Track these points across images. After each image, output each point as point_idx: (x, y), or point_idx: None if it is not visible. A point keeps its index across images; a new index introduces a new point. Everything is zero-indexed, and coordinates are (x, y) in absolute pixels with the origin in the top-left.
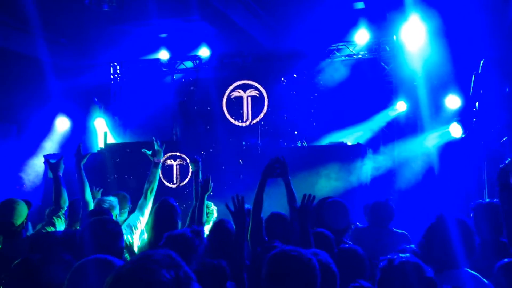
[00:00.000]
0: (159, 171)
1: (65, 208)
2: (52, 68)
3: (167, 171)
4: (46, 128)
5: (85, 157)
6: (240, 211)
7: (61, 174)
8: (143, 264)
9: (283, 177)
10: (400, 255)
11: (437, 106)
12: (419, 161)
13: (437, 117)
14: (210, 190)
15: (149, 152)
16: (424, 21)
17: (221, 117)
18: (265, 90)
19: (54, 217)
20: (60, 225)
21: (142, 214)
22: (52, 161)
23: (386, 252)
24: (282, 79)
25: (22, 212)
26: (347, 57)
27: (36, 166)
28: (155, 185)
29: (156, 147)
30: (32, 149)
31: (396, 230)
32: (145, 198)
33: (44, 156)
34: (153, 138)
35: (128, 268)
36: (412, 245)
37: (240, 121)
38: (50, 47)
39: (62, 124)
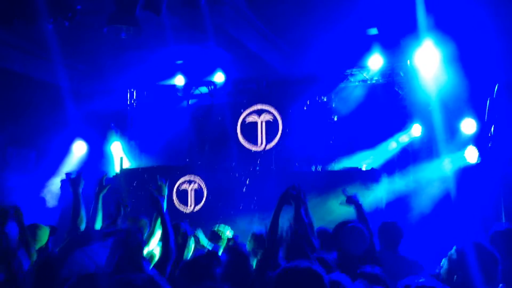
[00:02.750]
0: (163, 204)
1: (82, 229)
2: (70, 94)
3: (182, 195)
4: (64, 153)
5: (105, 189)
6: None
7: (80, 191)
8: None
9: (295, 201)
10: (416, 280)
11: (452, 130)
12: (435, 186)
13: (452, 142)
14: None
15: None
16: (438, 46)
17: (236, 142)
18: (279, 114)
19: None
20: None
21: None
22: (73, 176)
23: (396, 279)
24: (298, 104)
25: (42, 237)
26: (361, 82)
27: (53, 189)
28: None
29: (159, 182)
30: (50, 173)
31: (408, 256)
32: (152, 232)
33: (66, 173)
34: (157, 176)
35: None
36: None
37: (254, 146)
38: (68, 73)
39: (79, 149)
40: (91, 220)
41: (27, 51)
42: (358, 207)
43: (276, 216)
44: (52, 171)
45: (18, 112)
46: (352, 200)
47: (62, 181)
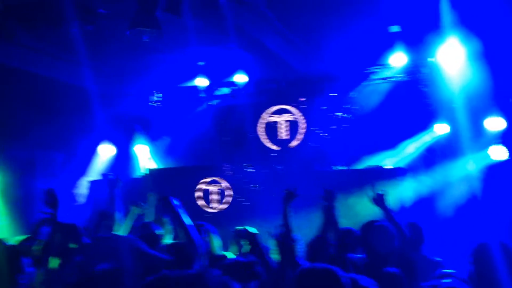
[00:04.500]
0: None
1: (113, 230)
2: (96, 97)
3: (206, 196)
4: (91, 155)
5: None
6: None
7: (117, 192)
8: None
9: (329, 203)
10: (443, 281)
11: (477, 128)
12: (461, 185)
13: (478, 140)
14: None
15: None
16: (463, 43)
17: (257, 142)
18: (301, 114)
19: None
20: None
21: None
22: (110, 176)
23: (421, 280)
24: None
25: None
26: (383, 80)
27: (81, 189)
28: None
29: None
30: (78, 175)
31: (431, 257)
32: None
33: (103, 174)
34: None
35: None
36: (453, 270)
37: (276, 145)
38: (94, 76)
39: (106, 151)
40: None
41: (53, 55)
42: (385, 210)
43: (286, 217)
44: (80, 173)
45: (45, 115)
46: (379, 202)
47: (91, 183)
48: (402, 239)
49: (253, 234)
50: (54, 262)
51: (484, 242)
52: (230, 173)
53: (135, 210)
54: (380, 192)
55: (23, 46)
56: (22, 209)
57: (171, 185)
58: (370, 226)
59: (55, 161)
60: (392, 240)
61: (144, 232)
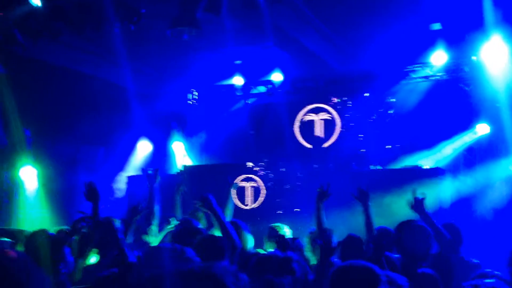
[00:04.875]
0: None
1: (154, 224)
2: (136, 95)
3: (240, 193)
4: (130, 151)
5: (157, 180)
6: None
7: (157, 185)
8: None
9: (362, 203)
10: (486, 280)
11: None
12: (503, 186)
13: None
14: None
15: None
16: (507, 41)
17: (293, 141)
18: (337, 113)
19: (142, 236)
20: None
21: None
22: (150, 172)
23: (459, 282)
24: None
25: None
26: (423, 79)
27: (120, 184)
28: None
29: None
30: (117, 170)
31: (470, 259)
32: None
33: (142, 169)
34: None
35: None
36: (492, 270)
37: (312, 144)
38: (133, 75)
39: (144, 147)
40: (149, 203)
41: (96, 55)
42: (425, 216)
43: (318, 215)
44: (119, 168)
45: (88, 112)
46: (418, 208)
47: (129, 178)
48: (442, 241)
49: (282, 236)
50: (92, 255)
51: None
52: (265, 171)
53: (180, 190)
54: (418, 197)
55: (67, 46)
56: (63, 202)
57: (206, 182)
58: (404, 225)
59: (96, 156)
60: (427, 240)
61: (185, 226)
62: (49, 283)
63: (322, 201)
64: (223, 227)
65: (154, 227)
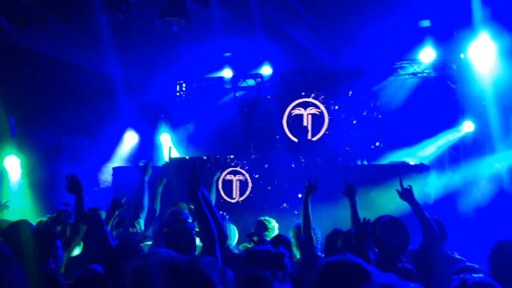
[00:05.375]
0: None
1: (142, 217)
2: (123, 85)
3: (227, 186)
4: (116, 142)
5: (149, 172)
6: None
7: (147, 179)
8: None
9: (349, 198)
10: (474, 275)
11: (507, 127)
12: (487, 183)
13: (506, 138)
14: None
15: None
16: (494, 39)
17: (281, 134)
18: (325, 108)
19: (130, 228)
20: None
21: None
22: (141, 164)
23: (442, 277)
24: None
25: None
26: (411, 76)
27: (104, 176)
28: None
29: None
30: (103, 161)
31: (454, 255)
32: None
33: (134, 161)
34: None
35: None
36: (476, 265)
37: (300, 138)
38: (121, 65)
39: (130, 139)
40: (149, 202)
41: (83, 43)
42: (414, 204)
43: (306, 208)
44: (105, 159)
45: (74, 102)
46: (407, 196)
47: (114, 169)
48: (428, 234)
49: (259, 233)
50: (76, 248)
51: (503, 240)
52: (253, 164)
53: (163, 182)
54: (407, 187)
55: (54, 34)
56: (47, 192)
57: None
58: (380, 220)
59: (81, 146)
60: (404, 233)
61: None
62: (27, 275)
63: (310, 195)
64: (214, 217)
65: (141, 220)
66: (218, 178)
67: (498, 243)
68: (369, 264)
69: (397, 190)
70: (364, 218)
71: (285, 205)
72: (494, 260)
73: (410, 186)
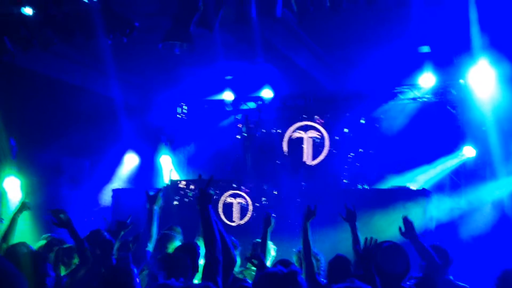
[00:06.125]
0: (154, 217)
1: (150, 247)
2: (123, 107)
3: (227, 209)
4: (116, 164)
5: (158, 201)
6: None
7: (157, 208)
8: None
9: (350, 223)
10: None
11: (507, 152)
12: (489, 209)
13: (507, 164)
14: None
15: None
16: (494, 65)
17: (282, 157)
18: (326, 131)
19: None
20: None
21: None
22: (151, 193)
23: None
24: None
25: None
26: (411, 100)
27: (104, 199)
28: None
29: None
30: (103, 183)
31: (458, 282)
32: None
33: (146, 190)
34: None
35: None
36: None
37: (300, 162)
38: (122, 87)
39: (131, 160)
40: (147, 227)
41: (84, 65)
42: (416, 242)
43: (305, 233)
44: (105, 180)
45: (75, 123)
46: (409, 235)
47: (114, 191)
48: (430, 265)
49: (258, 256)
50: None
51: (509, 269)
52: (253, 188)
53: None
54: (408, 222)
55: (55, 54)
56: (45, 214)
57: (192, 197)
58: (380, 246)
59: (81, 168)
60: (404, 261)
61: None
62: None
63: (309, 220)
64: (222, 238)
65: (148, 249)
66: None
67: (504, 272)
68: None
69: (399, 228)
70: (372, 238)
71: (285, 228)
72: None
73: (411, 223)
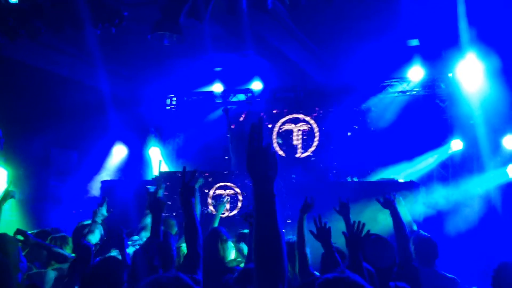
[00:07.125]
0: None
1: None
2: (112, 98)
3: (217, 201)
4: (105, 155)
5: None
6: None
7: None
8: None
9: (343, 216)
10: None
11: (495, 146)
12: (476, 202)
13: (495, 157)
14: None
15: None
16: (482, 59)
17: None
18: (316, 124)
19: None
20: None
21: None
22: (151, 189)
23: None
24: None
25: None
26: (400, 93)
27: (92, 191)
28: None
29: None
30: (92, 174)
31: (445, 273)
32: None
33: (147, 187)
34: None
35: None
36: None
37: (290, 154)
38: (111, 78)
39: (119, 152)
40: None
41: (73, 56)
42: (394, 210)
43: (300, 226)
44: (93, 172)
45: (63, 114)
46: (388, 203)
47: (102, 182)
48: (404, 252)
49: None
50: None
51: (505, 262)
52: (243, 179)
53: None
54: (389, 196)
55: (43, 45)
56: (32, 205)
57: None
58: (366, 239)
59: (69, 159)
60: (390, 253)
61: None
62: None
63: (306, 213)
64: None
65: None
66: (201, 184)
67: (501, 264)
68: (365, 279)
69: (377, 199)
70: (359, 222)
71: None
72: (497, 282)
73: (394, 197)
